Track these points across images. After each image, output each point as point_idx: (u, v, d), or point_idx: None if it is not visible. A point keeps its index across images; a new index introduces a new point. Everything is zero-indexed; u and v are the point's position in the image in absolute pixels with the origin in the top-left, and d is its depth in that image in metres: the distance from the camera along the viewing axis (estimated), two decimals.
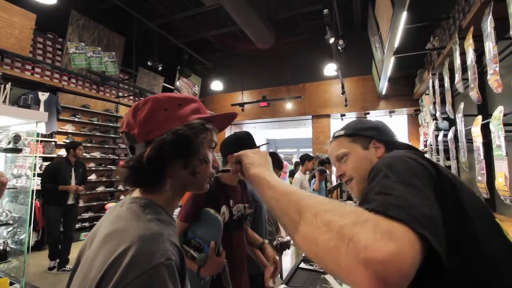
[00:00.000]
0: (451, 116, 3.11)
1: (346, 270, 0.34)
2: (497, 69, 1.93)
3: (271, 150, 14.01)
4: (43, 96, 4.73)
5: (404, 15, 2.73)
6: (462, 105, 2.84)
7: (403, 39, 3.39)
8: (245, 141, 1.45)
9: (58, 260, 3.69)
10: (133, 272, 0.43)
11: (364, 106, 6.88)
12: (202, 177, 0.66)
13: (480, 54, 2.60)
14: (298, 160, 5.02)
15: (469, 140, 2.68)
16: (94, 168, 5.66)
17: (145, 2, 5.88)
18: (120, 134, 0.65)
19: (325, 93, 7.30)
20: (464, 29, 2.64)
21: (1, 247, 2.65)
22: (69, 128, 5.38)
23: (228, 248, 1.28)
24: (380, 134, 0.85)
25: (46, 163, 4.35)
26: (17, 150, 2.71)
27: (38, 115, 2.74)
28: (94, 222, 5.30)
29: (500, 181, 1.99)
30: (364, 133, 0.84)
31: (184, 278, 0.53)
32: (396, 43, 3.35)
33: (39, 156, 4.61)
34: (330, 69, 5.35)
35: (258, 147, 1.46)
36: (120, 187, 6.01)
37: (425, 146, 4.95)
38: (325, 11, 3.28)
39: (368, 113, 7.00)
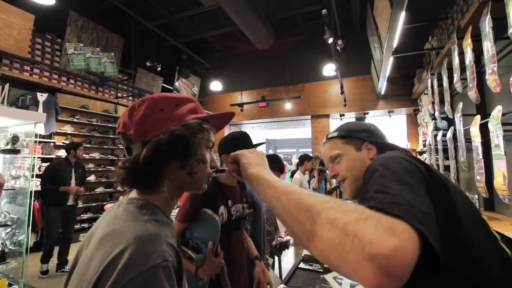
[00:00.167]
0: (450, 116, 3.12)
1: (352, 265, 0.35)
2: (495, 68, 1.94)
3: (272, 152, 14.04)
4: (41, 97, 4.72)
5: (402, 15, 2.73)
6: (460, 105, 2.84)
7: (402, 39, 3.40)
8: (242, 141, 1.44)
9: (48, 265, 3.63)
10: (130, 274, 0.43)
11: (363, 106, 6.88)
12: (200, 178, 0.65)
13: (479, 54, 2.60)
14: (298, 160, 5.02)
15: (468, 140, 2.69)
16: (93, 169, 5.65)
17: (144, 2, 5.87)
18: (117, 135, 0.65)
19: (324, 93, 7.30)
20: (463, 29, 2.64)
21: (0, 248, 2.65)
22: (68, 129, 5.37)
23: (227, 249, 1.28)
24: (372, 136, 0.87)
25: (45, 164, 4.35)
26: (15, 151, 2.70)
27: (36, 116, 2.73)
28: (93, 223, 5.22)
29: (498, 180, 2.00)
30: (357, 135, 0.87)
31: (181, 279, 0.52)
32: (395, 43, 3.36)
33: (38, 157, 4.60)
34: (329, 69, 5.36)
35: (256, 146, 1.46)
36: (119, 188, 6.00)
37: (424, 145, 4.95)
38: (324, 11, 3.28)
39: (367, 113, 7.00)
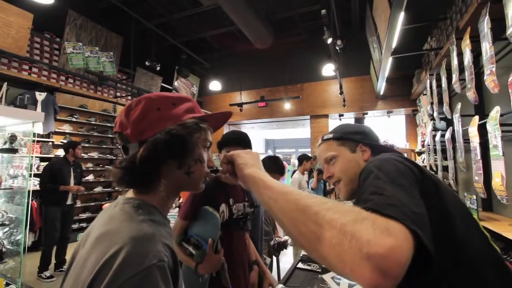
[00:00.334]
0: (449, 116, 3.12)
1: (349, 265, 0.36)
2: (494, 69, 1.94)
3: (271, 152, 14.02)
4: (40, 96, 4.71)
5: (401, 16, 2.73)
6: (459, 106, 2.85)
7: (401, 40, 3.40)
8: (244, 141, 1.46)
9: (49, 270, 3.61)
10: (125, 274, 0.43)
11: (362, 106, 6.89)
12: (197, 177, 0.65)
13: (477, 55, 2.60)
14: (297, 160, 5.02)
15: (466, 140, 2.69)
16: (91, 169, 5.64)
17: (143, 1, 5.86)
18: (114, 134, 0.64)
19: (323, 93, 7.30)
20: (461, 29, 2.65)
21: None
22: (67, 128, 5.36)
23: (229, 248, 1.28)
24: (366, 138, 0.89)
25: (44, 164, 4.33)
26: (13, 151, 2.70)
27: (34, 115, 2.72)
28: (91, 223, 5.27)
29: (496, 181, 2.00)
30: (351, 137, 0.89)
31: (177, 279, 0.52)
32: (394, 44, 3.36)
33: (36, 157, 4.59)
34: (328, 69, 5.36)
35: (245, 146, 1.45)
36: (119, 188, 5.98)
37: (423, 146, 4.96)
38: (323, 11, 3.28)
39: (366, 113, 7.01)
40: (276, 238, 2.47)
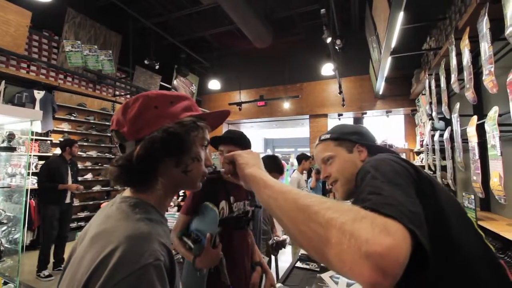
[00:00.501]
0: (447, 116, 3.13)
1: (349, 263, 0.36)
2: (493, 69, 1.94)
3: (270, 152, 14.03)
4: (38, 94, 4.69)
5: (401, 16, 2.73)
6: (458, 105, 2.85)
7: (400, 39, 3.40)
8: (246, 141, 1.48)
9: (47, 269, 3.59)
10: (120, 273, 0.43)
11: (361, 106, 6.89)
12: (194, 176, 0.65)
13: (476, 55, 2.60)
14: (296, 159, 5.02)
15: (465, 140, 2.69)
16: (90, 167, 5.63)
17: (142, 0, 5.84)
18: (110, 132, 0.64)
19: (323, 93, 7.30)
20: (460, 29, 2.65)
21: None
22: (65, 126, 5.35)
23: (229, 246, 1.30)
24: (363, 138, 0.91)
25: (42, 162, 4.32)
26: (11, 149, 2.68)
27: (32, 114, 2.71)
28: None
29: (495, 181, 2.01)
30: (348, 137, 0.90)
31: (174, 279, 0.52)
32: (393, 43, 3.36)
33: (35, 155, 4.58)
34: (328, 68, 5.36)
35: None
36: (117, 187, 5.97)
37: (422, 146, 4.97)
38: (322, 11, 3.28)
39: (365, 113, 7.01)
40: (275, 237, 2.47)
